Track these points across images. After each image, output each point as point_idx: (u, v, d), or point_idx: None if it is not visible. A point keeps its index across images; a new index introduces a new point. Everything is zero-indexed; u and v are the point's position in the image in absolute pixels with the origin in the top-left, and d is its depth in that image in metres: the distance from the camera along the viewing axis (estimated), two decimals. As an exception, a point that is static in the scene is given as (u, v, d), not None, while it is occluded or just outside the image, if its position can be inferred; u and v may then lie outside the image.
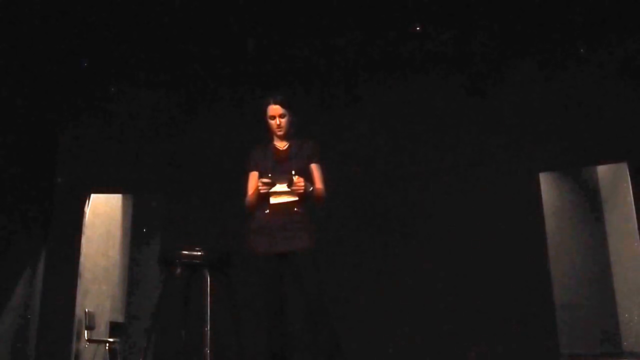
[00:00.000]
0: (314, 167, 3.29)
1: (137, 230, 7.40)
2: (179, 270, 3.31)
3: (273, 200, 3.14)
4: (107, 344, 6.57)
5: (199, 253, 3.31)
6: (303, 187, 3.08)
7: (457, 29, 5.21)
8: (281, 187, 3.10)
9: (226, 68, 5.68)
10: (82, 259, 5.68)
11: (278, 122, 3.28)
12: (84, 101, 5.92)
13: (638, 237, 4.95)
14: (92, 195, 5.98)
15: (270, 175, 3.12)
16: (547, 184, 5.66)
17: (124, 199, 7.39)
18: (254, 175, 3.28)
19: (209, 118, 5.68)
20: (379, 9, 4.96)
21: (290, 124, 3.31)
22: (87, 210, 5.86)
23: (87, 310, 6.33)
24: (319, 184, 3.25)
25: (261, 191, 3.09)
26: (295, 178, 3.07)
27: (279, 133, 3.31)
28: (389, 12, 5.01)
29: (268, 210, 3.14)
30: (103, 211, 7.00)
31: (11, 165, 5.13)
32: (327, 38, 5.34)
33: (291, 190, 3.09)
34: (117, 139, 5.79)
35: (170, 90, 5.82)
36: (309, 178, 3.20)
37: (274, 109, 3.28)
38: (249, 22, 5.12)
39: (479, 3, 4.90)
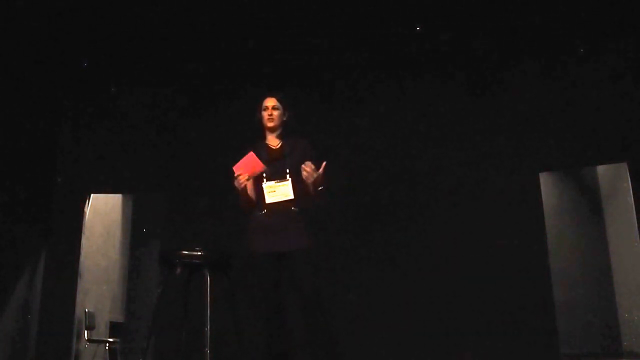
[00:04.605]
0: None
1: (137, 230, 7.41)
2: (179, 270, 3.30)
3: (269, 199, 3.14)
4: (107, 344, 6.58)
5: (199, 253, 3.30)
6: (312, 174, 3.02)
7: (457, 29, 5.21)
8: (282, 184, 3.12)
9: (226, 68, 5.68)
10: (82, 259, 5.68)
11: (270, 113, 3.29)
12: (83, 101, 5.92)
13: (638, 237, 4.94)
14: (92, 195, 5.97)
15: (264, 174, 3.13)
16: (547, 184, 5.66)
17: (124, 199, 7.40)
18: None
19: (209, 118, 5.68)
20: (378, 8, 4.96)
21: (281, 117, 3.32)
22: (87, 210, 5.86)
23: (87, 310, 6.33)
24: None
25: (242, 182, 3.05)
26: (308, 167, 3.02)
27: (269, 124, 3.30)
28: (389, 12, 5.01)
29: (265, 210, 3.15)
30: (103, 211, 7.00)
31: (11, 165, 5.13)
32: (327, 38, 5.34)
33: (304, 177, 3.03)
34: (117, 139, 5.79)
35: (170, 90, 5.81)
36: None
37: (268, 100, 3.33)
38: (249, 21, 5.12)
39: (479, 3, 4.90)
